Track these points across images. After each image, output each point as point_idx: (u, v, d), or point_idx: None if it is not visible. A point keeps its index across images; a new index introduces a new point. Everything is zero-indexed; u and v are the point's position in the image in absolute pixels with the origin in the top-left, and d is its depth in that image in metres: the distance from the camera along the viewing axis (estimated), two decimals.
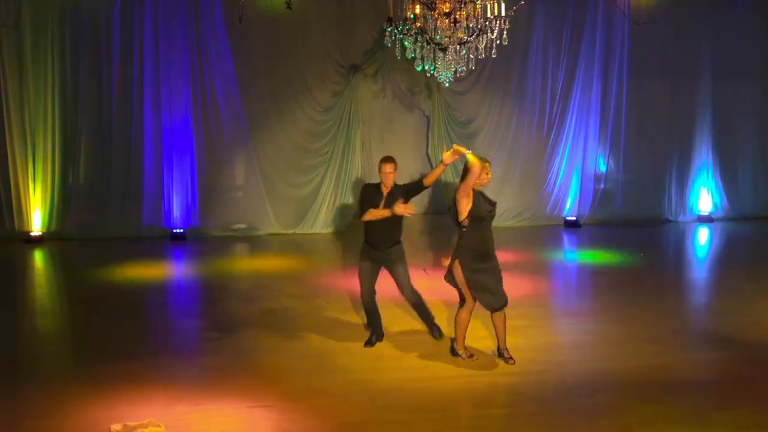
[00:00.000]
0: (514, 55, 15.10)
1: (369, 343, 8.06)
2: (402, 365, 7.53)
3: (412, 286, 7.98)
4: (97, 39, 13.59)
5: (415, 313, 8.33)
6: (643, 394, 6.84)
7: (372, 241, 7.82)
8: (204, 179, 14.27)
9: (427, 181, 7.74)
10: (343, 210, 14.88)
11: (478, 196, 7.34)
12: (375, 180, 8.13)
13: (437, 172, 7.67)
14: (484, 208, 7.31)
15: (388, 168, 7.74)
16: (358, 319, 8.88)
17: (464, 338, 7.64)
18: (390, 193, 7.78)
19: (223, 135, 14.31)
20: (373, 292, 8.00)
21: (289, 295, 10.21)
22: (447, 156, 7.41)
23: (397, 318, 8.92)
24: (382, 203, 7.75)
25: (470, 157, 7.22)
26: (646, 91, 15.96)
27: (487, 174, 7.32)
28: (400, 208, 7.55)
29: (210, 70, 14.08)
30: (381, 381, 7.11)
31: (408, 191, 7.84)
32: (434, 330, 8.26)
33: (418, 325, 8.74)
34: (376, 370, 7.39)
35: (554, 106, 15.73)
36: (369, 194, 7.89)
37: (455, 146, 7.38)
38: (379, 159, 7.39)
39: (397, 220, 7.79)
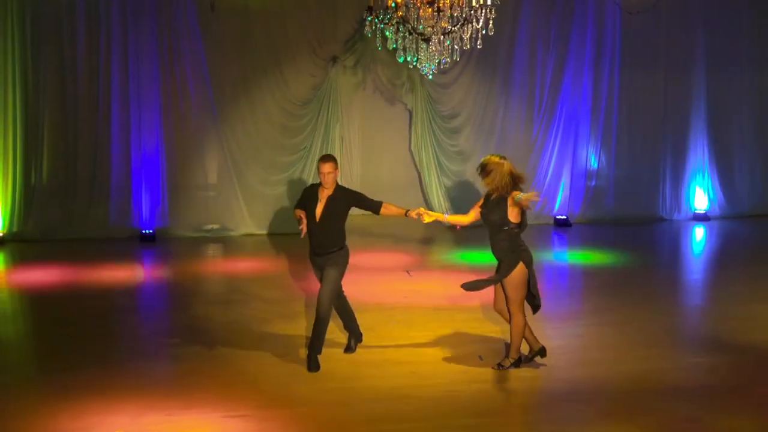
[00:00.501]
0: (500, 45, 15.12)
1: (349, 348, 8.07)
2: (384, 372, 7.54)
3: (331, 298, 7.58)
4: (60, 26, 13.48)
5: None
6: (636, 400, 6.88)
7: (314, 248, 7.69)
8: (175, 177, 14.21)
9: (383, 212, 7.67)
10: None
11: (484, 202, 7.55)
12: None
13: (396, 213, 7.67)
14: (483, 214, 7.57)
15: (326, 167, 7.52)
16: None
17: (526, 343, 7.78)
18: (332, 198, 7.59)
19: (194, 130, 14.25)
20: (338, 296, 7.86)
21: (264, 300, 10.20)
22: (423, 217, 7.53)
23: (378, 323, 8.93)
24: (318, 207, 7.58)
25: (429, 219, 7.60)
26: (638, 84, 16.02)
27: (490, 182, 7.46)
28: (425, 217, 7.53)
29: (181, 61, 14.00)
30: (362, 389, 7.12)
31: (357, 201, 7.70)
32: (310, 360, 7.59)
33: (404, 330, 8.76)
34: (357, 378, 7.40)
35: (543, 100, 15.77)
36: (307, 196, 7.76)
37: (427, 215, 7.55)
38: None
39: (338, 225, 7.64)
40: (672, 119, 16.38)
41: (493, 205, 7.37)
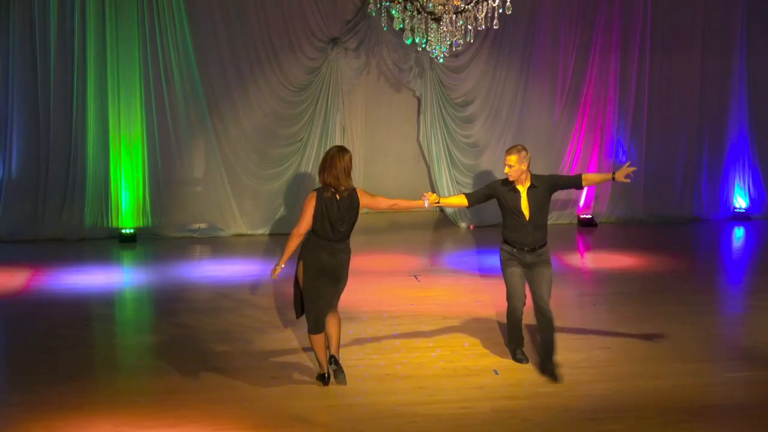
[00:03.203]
0: (518, 25, 15.13)
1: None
2: (389, 387, 7.55)
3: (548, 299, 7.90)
4: (30, 4, 13.48)
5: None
6: (668, 419, 6.90)
7: (523, 245, 7.86)
8: (157, 171, 14.23)
9: (584, 183, 8.15)
10: None
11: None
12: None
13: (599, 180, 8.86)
14: None
15: (509, 160, 7.78)
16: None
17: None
18: (531, 188, 7.86)
19: (179, 119, 14.25)
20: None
21: (257, 307, 10.22)
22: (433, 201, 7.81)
23: (382, 331, 8.94)
24: (523, 203, 7.83)
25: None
26: (672, 68, 15.98)
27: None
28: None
29: (164, 43, 13.99)
30: (364, 406, 7.14)
31: (555, 183, 8.04)
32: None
33: (410, 340, 8.77)
34: (359, 394, 7.42)
35: (566, 86, 15.75)
36: (499, 191, 7.94)
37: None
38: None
39: (545, 218, 7.98)
40: (710, 107, 16.31)
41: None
